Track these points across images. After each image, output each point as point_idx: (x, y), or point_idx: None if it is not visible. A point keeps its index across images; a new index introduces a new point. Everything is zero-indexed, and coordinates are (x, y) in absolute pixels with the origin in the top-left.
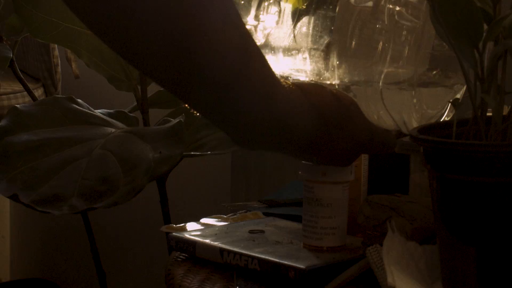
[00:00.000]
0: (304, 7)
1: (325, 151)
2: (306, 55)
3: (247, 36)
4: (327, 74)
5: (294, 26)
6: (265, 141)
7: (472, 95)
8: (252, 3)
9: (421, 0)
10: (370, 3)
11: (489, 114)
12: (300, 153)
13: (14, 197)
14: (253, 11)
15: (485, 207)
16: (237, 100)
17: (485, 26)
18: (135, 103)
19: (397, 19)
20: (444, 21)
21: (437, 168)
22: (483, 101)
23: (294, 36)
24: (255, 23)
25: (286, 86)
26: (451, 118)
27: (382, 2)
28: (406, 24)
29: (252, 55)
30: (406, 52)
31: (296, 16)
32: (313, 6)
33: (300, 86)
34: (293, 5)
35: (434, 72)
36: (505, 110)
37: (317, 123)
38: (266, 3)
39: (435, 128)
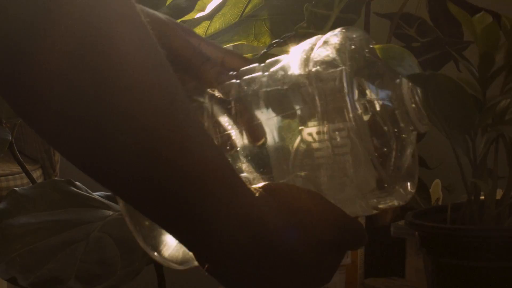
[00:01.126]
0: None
1: (304, 252)
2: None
3: (208, 145)
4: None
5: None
6: (239, 265)
7: (465, 180)
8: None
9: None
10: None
11: (482, 197)
12: (279, 272)
13: (12, 280)
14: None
15: None
16: (201, 214)
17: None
18: None
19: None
20: (437, 108)
21: (432, 252)
22: (476, 186)
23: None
24: None
25: (252, 190)
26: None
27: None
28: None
29: (215, 162)
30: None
31: None
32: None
33: (263, 188)
34: None
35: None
36: (499, 194)
37: (289, 221)
38: (218, 137)
39: (429, 213)
